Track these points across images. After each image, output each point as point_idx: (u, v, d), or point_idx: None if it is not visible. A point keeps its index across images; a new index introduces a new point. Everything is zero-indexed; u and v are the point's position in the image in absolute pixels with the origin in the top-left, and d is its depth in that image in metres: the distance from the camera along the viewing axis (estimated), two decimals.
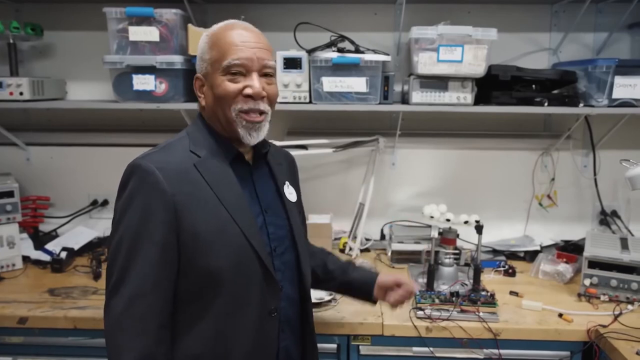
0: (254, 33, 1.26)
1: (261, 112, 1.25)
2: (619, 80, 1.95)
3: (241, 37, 1.23)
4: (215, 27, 1.27)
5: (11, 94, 2.05)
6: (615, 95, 1.96)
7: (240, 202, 1.24)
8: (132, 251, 1.15)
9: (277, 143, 2.03)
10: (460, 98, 2.01)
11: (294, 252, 1.35)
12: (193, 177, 1.21)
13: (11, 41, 2.19)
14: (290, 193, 1.41)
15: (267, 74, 1.25)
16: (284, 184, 1.40)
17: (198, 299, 1.21)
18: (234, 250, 1.21)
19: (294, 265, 1.35)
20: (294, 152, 2.09)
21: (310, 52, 1.99)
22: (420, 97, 2.02)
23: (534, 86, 2.07)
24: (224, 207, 1.21)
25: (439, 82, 2.00)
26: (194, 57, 1.95)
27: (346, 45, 2.06)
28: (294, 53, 2.01)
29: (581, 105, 2.02)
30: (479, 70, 1.95)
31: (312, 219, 2.28)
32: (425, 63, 1.95)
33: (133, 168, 1.18)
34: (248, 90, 1.21)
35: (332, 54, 1.98)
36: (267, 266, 1.24)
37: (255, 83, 1.21)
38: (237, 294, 1.22)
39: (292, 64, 2.00)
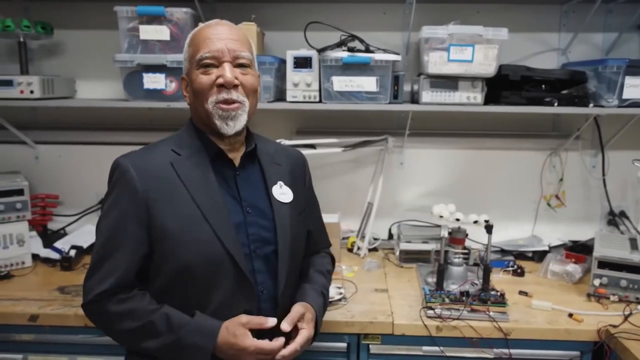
0: (227, 27, 1.29)
1: (236, 102, 1.27)
2: (629, 80, 1.95)
3: (213, 31, 1.27)
4: (197, 27, 1.33)
5: (22, 92, 2.05)
6: (625, 96, 1.96)
7: (214, 200, 1.26)
8: (106, 244, 1.25)
9: (286, 142, 2.05)
10: (470, 98, 2.01)
11: (275, 254, 1.33)
12: (168, 175, 1.26)
13: (21, 40, 2.19)
14: (282, 194, 1.39)
15: (241, 64, 1.27)
16: (276, 184, 1.39)
17: (170, 294, 1.26)
18: (204, 248, 1.23)
19: (275, 268, 1.33)
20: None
21: (320, 51, 1.99)
22: (430, 97, 2.02)
23: (543, 86, 2.07)
24: (196, 205, 1.24)
25: (449, 81, 2.00)
26: None
27: (356, 44, 2.06)
28: (304, 52, 2.01)
29: (591, 105, 2.02)
30: (490, 70, 1.95)
31: None
32: (436, 62, 1.95)
33: (113, 166, 1.28)
34: (219, 80, 1.24)
35: (342, 54, 1.98)
36: (240, 266, 1.24)
37: (225, 72, 1.24)
38: (207, 292, 1.25)
39: (302, 63, 2.00)
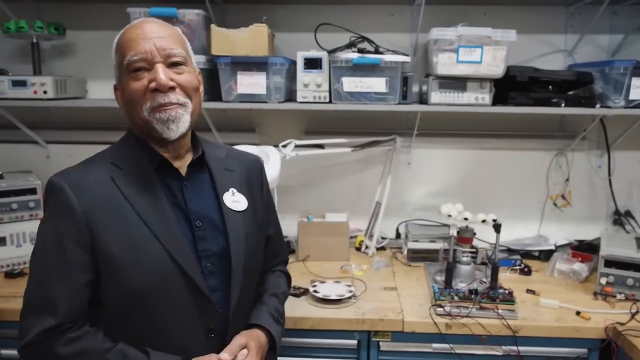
0: (154, 24, 1.17)
1: (176, 105, 1.16)
2: (635, 81, 1.97)
3: (139, 31, 1.15)
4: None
5: (35, 92, 2.08)
6: (632, 97, 1.98)
7: (162, 215, 1.16)
8: (44, 274, 1.13)
9: (297, 142, 2.07)
10: (478, 98, 2.04)
11: (229, 270, 1.22)
12: (109, 192, 1.15)
13: (34, 40, 2.22)
14: (235, 201, 1.28)
15: (175, 63, 1.16)
16: (227, 191, 1.28)
17: (123, 322, 1.16)
18: (155, 268, 1.13)
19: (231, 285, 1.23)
20: (311, 152, 2.15)
21: (330, 52, 2.01)
22: (439, 98, 2.04)
23: (550, 87, 2.09)
24: (143, 222, 1.14)
25: (457, 82, 2.03)
26: (217, 57, 2.01)
27: (365, 46, 2.08)
28: (314, 53, 2.03)
29: (598, 106, 2.04)
30: (498, 71, 1.98)
31: (329, 217, 2.31)
32: (445, 64, 1.98)
33: (48, 185, 1.16)
34: (152, 85, 1.12)
35: (352, 55, 2.00)
36: (197, 285, 1.16)
37: (158, 75, 1.12)
38: (164, 313, 1.16)
39: (312, 64, 2.02)
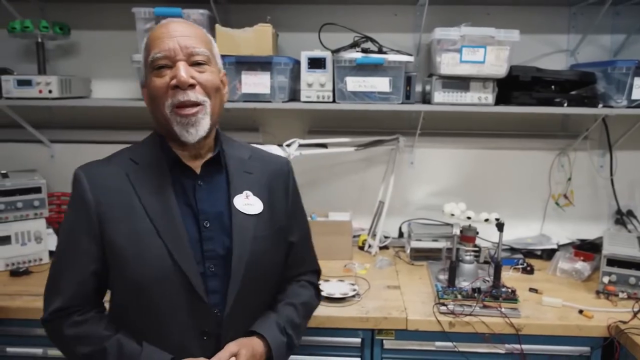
0: (179, 23, 1.20)
1: (196, 104, 1.17)
2: (638, 81, 1.97)
3: (164, 30, 1.18)
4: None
5: (40, 92, 2.09)
6: (634, 96, 1.99)
7: (169, 213, 1.18)
8: (58, 259, 1.22)
9: (301, 141, 2.08)
10: (481, 98, 2.05)
11: (230, 274, 1.21)
12: (122, 187, 1.19)
13: (39, 40, 2.23)
14: (247, 204, 1.26)
15: (197, 62, 1.18)
16: (241, 193, 1.27)
17: (127, 314, 1.20)
18: (155, 264, 1.15)
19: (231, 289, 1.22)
20: (315, 151, 2.16)
21: (334, 52, 2.02)
22: (442, 97, 2.05)
23: (553, 87, 2.10)
24: (149, 219, 1.17)
25: (460, 82, 2.04)
26: (221, 56, 2.02)
27: (369, 45, 2.09)
28: (318, 53, 2.04)
29: (600, 106, 2.05)
30: (501, 71, 1.99)
31: (332, 216, 2.32)
32: (448, 63, 1.99)
33: (73, 176, 1.23)
34: (173, 81, 1.14)
35: (356, 54, 2.01)
36: (193, 285, 1.16)
37: (178, 72, 1.14)
38: (164, 311, 1.17)
39: (316, 64, 2.03)
